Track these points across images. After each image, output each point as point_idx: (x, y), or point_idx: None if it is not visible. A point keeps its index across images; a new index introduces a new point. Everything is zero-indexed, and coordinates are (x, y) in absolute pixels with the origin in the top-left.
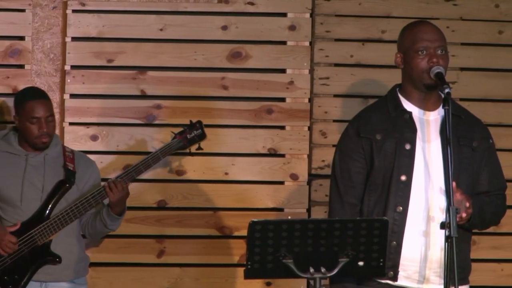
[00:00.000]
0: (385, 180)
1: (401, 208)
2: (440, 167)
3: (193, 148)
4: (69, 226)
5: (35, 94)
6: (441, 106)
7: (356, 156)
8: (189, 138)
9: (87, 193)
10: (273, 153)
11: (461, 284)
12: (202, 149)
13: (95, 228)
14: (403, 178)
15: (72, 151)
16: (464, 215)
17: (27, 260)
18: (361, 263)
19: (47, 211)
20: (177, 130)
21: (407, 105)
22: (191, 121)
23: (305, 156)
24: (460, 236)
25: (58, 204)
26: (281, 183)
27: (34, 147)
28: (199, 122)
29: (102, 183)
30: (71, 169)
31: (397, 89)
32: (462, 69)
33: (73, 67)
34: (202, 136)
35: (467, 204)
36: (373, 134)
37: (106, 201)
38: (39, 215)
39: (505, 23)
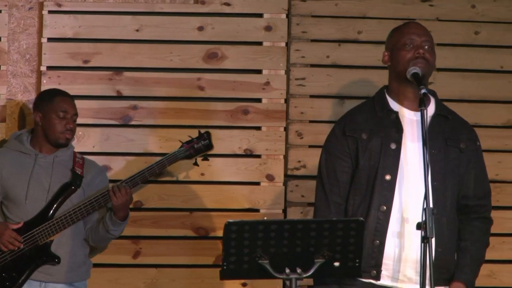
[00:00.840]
0: (369, 180)
1: (385, 207)
2: (421, 167)
3: (199, 159)
4: (75, 230)
5: (62, 92)
6: (428, 107)
7: (342, 155)
8: (196, 148)
9: (86, 199)
10: (249, 154)
11: (446, 285)
12: (208, 159)
13: (98, 234)
14: (388, 177)
15: (83, 157)
16: None
17: (27, 259)
18: (337, 264)
19: (51, 212)
20: (185, 139)
21: (394, 105)
22: (199, 131)
23: (281, 157)
24: (445, 236)
25: (62, 206)
26: (257, 183)
27: (56, 142)
28: (207, 133)
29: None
30: (79, 173)
31: (385, 90)
32: (439, 69)
33: (49, 68)
34: (209, 147)
35: None
36: (359, 133)
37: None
38: (42, 215)
39: (481, 23)
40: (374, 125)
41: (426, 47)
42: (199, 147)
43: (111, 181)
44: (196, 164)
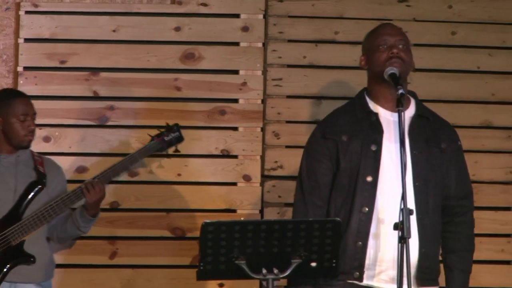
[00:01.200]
0: (351, 181)
1: (366, 209)
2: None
3: (171, 151)
4: (43, 228)
5: (19, 93)
6: (408, 107)
7: (322, 157)
8: (167, 140)
9: (57, 197)
10: (226, 154)
11: (430, 285)
12: (179, 151)
13: (65, 232)
14: (369, 179)
15: (40, 156)
16: None
17: (1, 261)
18: (313, 264)
19: (20, 212)
20: (154, 132)
21: (374, 107)
22: (167, 123)
23: (258, 157)
24: (428, 237)
25: (30, 205)
26: (234, 184)
27: (19, 145)
28: (177, 125)
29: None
30: (42, 171)
31: (365, 91)
32: (415, 70)
33: (25, 68)
34: (180, 139)
35: None
36: (339, 136)
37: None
38: (12, 215)
39: (458, 24)
40: (354, 127)
41: (401, 46)
42: (170, 140)
43: None
44: (167, 157)
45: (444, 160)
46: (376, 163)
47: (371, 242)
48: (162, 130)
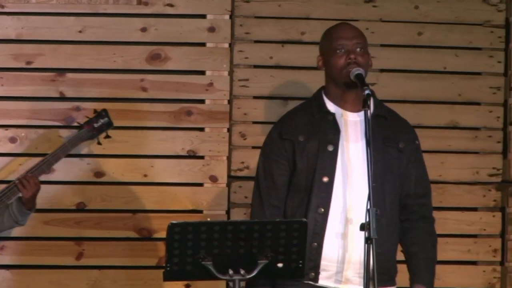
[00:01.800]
0: (307, 182)
1: (322, 209)
2: (362, 169)
3: (102, 137)
4: None
5: None
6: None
7: (279, 158)
8: (97, 127)
9: None
10: (192, 155)
11: (388, 286)
12: (110, 137)
13: (2, 224)
14: (325, 179)
15: None
16: None
17: None
18: (280, 265)
19: None
20: (83, 120)
21: (331, 107)
22: (95, 110)
23: (225, 158)
24: (385, 237)
25: None
26: (200, 185)
27: None
28: (105, 110)
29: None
30: None
31: (322, 91)
32: (382, 70)
33: None
34: (110, 124)
35: None
36: (296, 136)
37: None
38: None
39: (424, 24)
40: (311, 127)
41: (358, 49)
42: (100, 126)
43: (54, 182)
44: (99, 143)
45: (402, 160)
46: (333, 164)
47: (328, 242)
48: (91, 117)
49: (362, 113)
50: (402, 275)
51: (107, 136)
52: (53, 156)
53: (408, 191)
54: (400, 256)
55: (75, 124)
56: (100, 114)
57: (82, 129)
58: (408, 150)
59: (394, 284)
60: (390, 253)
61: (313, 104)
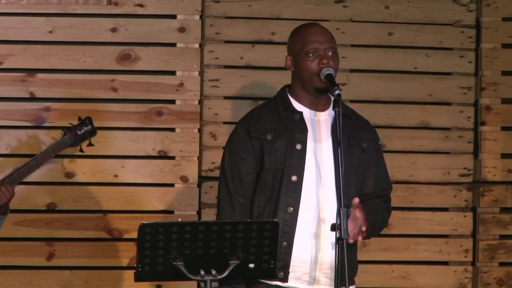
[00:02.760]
0: (275, 181)
1: (292, 208)
2: (331, 168)
3: (84, 145)
4: None
5: None
6: (331, 107)
7: (246, 156)
8: (80, 134)
9: None
10: (163, 155)
11: (350, 284)
12: (93, 145)
13: None
14: (294, 178)
15: None
16: (359, 238)
17: None
18: (251, 265)
19: None
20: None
21: (297, 106)
22: (79, 117)
23: (195, 158)
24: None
25: None
26: (171, 185)
27: None
28: (89, 118)
29: None
30: None
31: (287, 89)
32: (352, 70)
33: None
34: (93, 132)
35: (364, 228)
36: (264, 134)
37: None
38: None
39: (394, 24)
40: (279, 126)
41: (330, 53)
42: (83, 134)
43: (25, 182)
44: (81, 151)
45: (365, 160)
46: (301, 162)
47: (298, 242)
48: (75, 124)
49: (327, 112)
50: (367, 275)
51: (90, 144)
52: (34, 161)
53: (367, 191)
54: (365, 256)
55: (61, 131)
56: (84, 121)
57: (65, 136)
58: (370, 150)
59: (354, 283)
60: (352, 252)
61: (279, 102)
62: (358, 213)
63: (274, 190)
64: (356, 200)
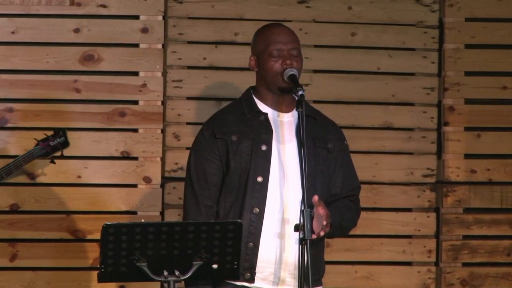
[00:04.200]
0: (241, 182)
1: (257, 209)
2: (295, 169)
3: (57, 155)
4: None
5: None
6: (295, 108)
7: (212, 157)
8: (52, 145)
9: None
10: (126, 156)
11: (315, 286)
12: (64, 156)
13: None
14: (260, 179)
15: None
16: (322, 233)
17: None
18: (215, 266)
19: None
20: (41, 137)
21: (262, 107)
22: (55, 129)
23: (158, 159)
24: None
25: None
26: (134, 186)
27: None
28: (63, 130)
29: None
30: None
31: (252, 91)
32: (315, 71)
33: None
34: (66, 144)
35: (325, 223)
36: (229, 136)
37: None
38: None
39: (357, 25)
40: (244, 127)
41: (293, 54)
42: (55, 145)
43: None
44: (53, 162)
45: (331, 160)
46: (267, 163)
47: (264, 243)
48: (49, 134)
49: (291, 113)
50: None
51: (62, 156)
52: (5, 170)
53: (335, 191)
54: (329, 257)
55: (35, 140)
56: (58, 133)
57: (37, 146)
58: (336, 151)
59: (321, 284)
60: (319, 253)
61: (244, 104)
62: (321, 211)
63: (239, 191)
64: (316, 197)
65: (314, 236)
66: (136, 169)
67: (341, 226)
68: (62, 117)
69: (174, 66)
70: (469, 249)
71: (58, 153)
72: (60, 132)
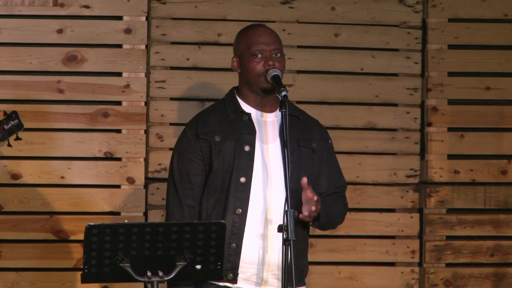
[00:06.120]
0: (224, 182)
1: (240, 210)
2: (279, 169)
3: (12, 139)
4: None
5: None
6: (278, 108)
7: (195, 158)
8: (7, 129)
9: None
10: (109, 157)
11: (298, 286)
12: (20, 139)
13: None
14: (243, 179)
15: None
16: (313, 208)
17: None
18: (198, 267)
19: None
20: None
21: (246, 107)
22: (5, 112)
23: (142, 160)
24: (299, 237)
25: None
26: (118, 186)
27: None
28: (15, 112)
29: None
30: None
31: (235, 91)
32: (299, 71)
33: None
34: (20, 126)
35: (313, 208)
36: (212, 136)
37: None
38: None
39: (341, 25)
40: (227, 127)
41: (275, 54)
42: (10, 128)
43: None
44: (9, 145)
45: (315, 160)
46: (250, 164)
47: (247, 243)
48: (1, 119)
49: (274, 113)
50: (314, 276)
51: (17, 138)
52: None
53: (321, 190)
54: (312, 257)
55: None
56: (10, 116)
57: None
58: (321, 150)
59: (304, 284)
60: (303, 253)
61: (227, 104)
62: (309, 194)
63: (222, 192)
64: (304, 179)
65: (305, 213)
66: (120, 170)
67: (330, 216)
68: (45, 117)
69: (157, 67)
70: (452, 250)
71: (14, 136)
72: (13, 115)
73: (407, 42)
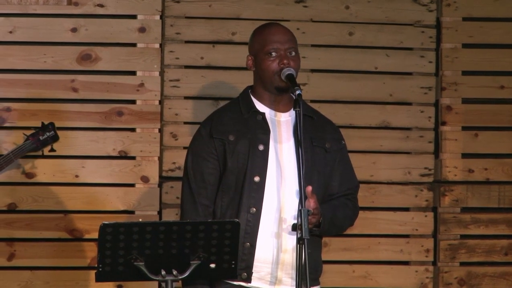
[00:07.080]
0: (238, 181)
1: (254, 209)
2: (293, 168)
3: (46, 150)
4: None
5: None
6: (292, 107)
7: (209, 157)
8: (42, 139)
9: None
10: (123, 156)
11: (312, 285)
12: (55, 150)
13: None
14: (257, 179)
15: None
16: (313, 220)
17: None
18: (212, 265)
19: None
20: (29, 132)
21: (260, 106)
22: (43, 123)
23: (156, 159)
24: (312, 237)
25: None
26: (132, 185)
27: None
28: (52, 123)
29: None
30: None
31: (249, 90)
32: (313, 70)
33: None
34: (55, 138)
35: (315, 207)
36: (226, 135)
37: None
38: None
39: (355, 24)
40: (241, 127)
41: (291, 53)
42: (45, 139)
43: None
44: (43, 155)
45: (328, 160)
46: (264, 163)
47: (261, 242)
48: (37, 129)
49: (288, 113)
50: (328, 275)
51: (52, 149)
52: None
53: (332, 190)
54: (326, 256)
55: (23, 136)
56: (47, 127)
57: (26, 141)
58: (334, 150)
59: (318, 284)
60: (316, 252)
61: (241, 103)
62: (312, 204)
63: (236, 191)
64: (309, 188)
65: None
66: (134, 169)
67: (333, 223)
68: (59, 116)
69: (172, 66)
70: (466, 249)
71: (48, 147)
72: (49, 126)
73: (421, 41)
